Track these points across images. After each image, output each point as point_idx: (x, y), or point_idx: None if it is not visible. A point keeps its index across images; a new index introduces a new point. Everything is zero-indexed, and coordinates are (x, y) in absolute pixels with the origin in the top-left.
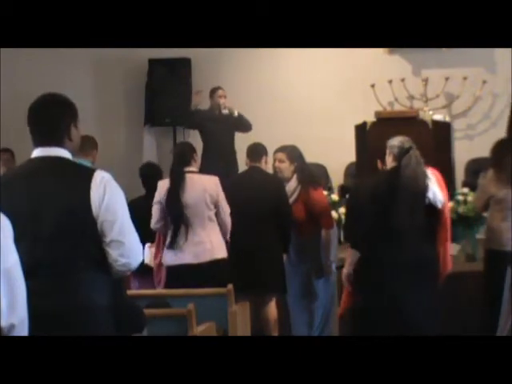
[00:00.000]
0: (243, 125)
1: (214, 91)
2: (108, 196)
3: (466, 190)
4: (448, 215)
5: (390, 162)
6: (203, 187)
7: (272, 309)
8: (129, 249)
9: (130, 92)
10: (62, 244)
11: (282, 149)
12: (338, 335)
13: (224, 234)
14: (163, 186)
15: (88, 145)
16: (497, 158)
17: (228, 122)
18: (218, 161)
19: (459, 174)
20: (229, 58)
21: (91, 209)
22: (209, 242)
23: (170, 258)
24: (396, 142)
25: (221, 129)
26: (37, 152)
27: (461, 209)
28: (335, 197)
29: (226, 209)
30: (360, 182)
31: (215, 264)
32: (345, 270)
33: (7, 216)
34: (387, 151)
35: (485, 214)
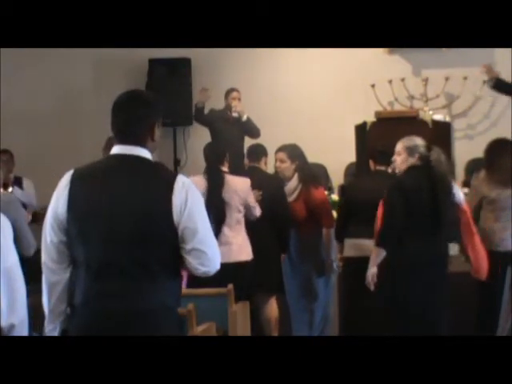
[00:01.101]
0: (250, 130)
1: (228, 92)
2: (190, 202)
3: (466, 190)
4: (469, 214)
5: (413, 162)
6: (235, 188)
7: (273, 309)
8: (210, 258)
9: None
10: (137, 247)
11: (282, 148)
12: (338, 335)
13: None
14: (197, 183)
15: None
16: (489, 158)
17: (238, 124)
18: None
19: (459, 174)
20: (229, 58)
21: (172, 214)
22: (235, 244)
23: None
24: (413, 141)
25: (230, 130)
26: (117, 149)
27: None
28: (335, 197)
29: (256, 207)
30: (354, 183)
31: (239, 266)
32: (371, 270)
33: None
34: (405, 152)
35: None
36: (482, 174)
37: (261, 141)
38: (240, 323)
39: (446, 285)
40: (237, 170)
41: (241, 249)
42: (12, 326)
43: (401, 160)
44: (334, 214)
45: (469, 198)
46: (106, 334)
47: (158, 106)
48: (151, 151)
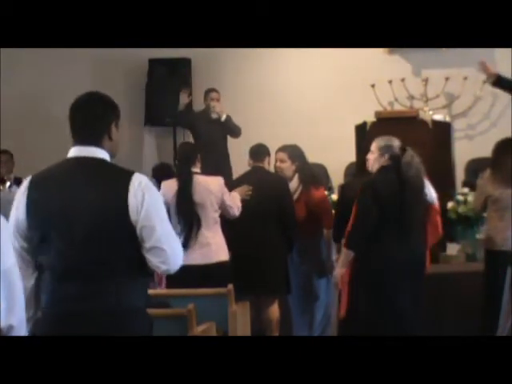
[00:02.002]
0: (231, 130)
1: (207, 93)
2: (147, 201)
3: (466, 189)
4: (438, 213)
5: (383, 162)
6: (208, 188)
7: (275, 309)
8: (170, 256)
9: (130, 92)
10: (97, 248)
11: (283, 148)
12: (339, 335)
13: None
14: (169, 186)
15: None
16: (494, 158)
17: (218, 124)
18: (209, 162)
19: (459, 174)
20: (229, 58)
21: (129, 213)
22: (214, 244)
23: None
24: (386, 141)
25: (212, 131)
26: (74, 151)
27: (461, 209)
28: (335, 197)
29: (232, 205)
30: (352, 182)
31: (220, 266)
32: (338, 270)
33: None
34: (375, 152)
35: (484, 215)
36: (487, 173)
37: (261, 141)
38: (240, 323)
39: (421, 285)
40: (221, 169)
41: (220, 249)
42: (11, 327)
43: (373, 159)
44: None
45: (474, 198)
46: (71, 335)
47: (113, 105)
48: (110, 151)
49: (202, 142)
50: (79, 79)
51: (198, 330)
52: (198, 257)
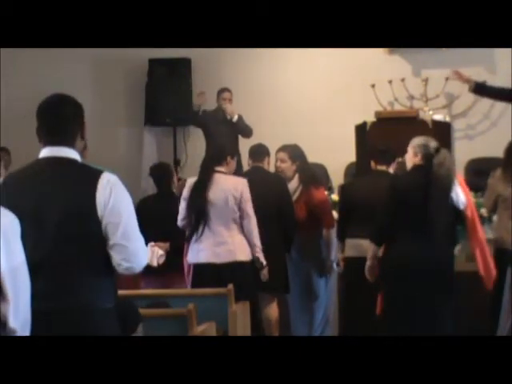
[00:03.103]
0: (242, 130)
1: (219, 93)
2: (114, 198)
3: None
4: (475, 219)
5: (416, 161)
6: (227, 188)
7: (274, 309)
8: (132, 253)
9: (130, 92)
10: (66, 245)
11: (283, 148)
12: (338, 335)
13: (250, 244)
14: (190, 182)
15: None
16: (506, 157)
17: (230, 125)
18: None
19: (459, 174)
20: (229, 58)
21: (97, 210)
22: (231, 243)
23: (192, 256)
24: (422, 141)
25: (223, 131)
26: (46, 152)
27: None
28: (335, 197)
29: (250, 214)
30: (352, 182)
31: (236, 266)
32: (367, 263)
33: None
34: (410, 151)
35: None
36: (499, 172)
37: (261, 141)
38: (240, 323)
39: (446, 285)
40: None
41: (238, 249)
42: (13, 332)
43: (407, 158)
44: (335, 214)
45: (484, 198)
46: (41, 334)
47: (81, 106)
48: (79, 151)
49: (214, 141)
50: (79, 79)
51: (198, 330)
52: (212, 255)
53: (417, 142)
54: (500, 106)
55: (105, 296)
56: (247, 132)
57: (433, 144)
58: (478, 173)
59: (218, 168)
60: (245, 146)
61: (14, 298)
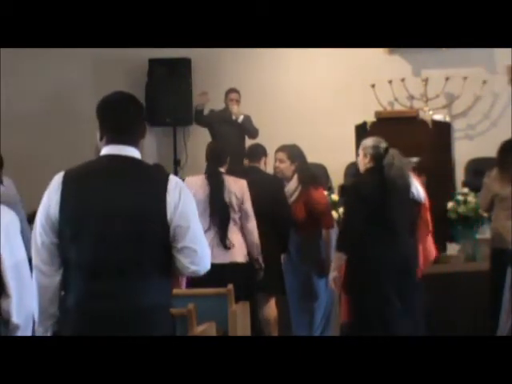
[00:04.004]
0: (248, 131)
1: (227, 93)
2: (183, 201)
3: (465, 190)
4: (427, 210)
5: (366, 163)
6: (230, 189)
7: (273, 309)
8: (200, 256)
9: (130, 92)
10: (129, 246)
11: (282, 148)
12: (339, 335)
13: (250, 247)
14: (194, 183)
15: None
16: (501, 157)
17: (236, 125)
18: None
19: (459, 174)
20: (229, 58)
21: (166, 213)
22: (231, 245)
23: None
24: (371, 142)
25: (230, 131)
26: (109, 149)
27: (461, 209)
28: (335, 197)
29: (251, 215)
30: (347, 185)
31: (234, 266)
32: (331, 274)
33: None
34: (361, 153)
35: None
36: (494, 172)
37: (261, 141)
38: (240, 323)
39: (418, 283)
40: (238, 171)
41: (236, 250)
42: (16, 327)
43: (359, 160)
44: (334, 214)
45: (480, 196)
46: (98, 334)
47: (142, 105)
48: (140, 150)
49: (219, 140)
50: (79, 79)
51: (198, 330)
52: (216, 256)
53: (366, 143)
54: (500, 105)
55: (164, 297)
56: (253, 133)
57: (383, 145)
58: (478, 173)
59: (221, 169)
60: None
61: (17, 294)
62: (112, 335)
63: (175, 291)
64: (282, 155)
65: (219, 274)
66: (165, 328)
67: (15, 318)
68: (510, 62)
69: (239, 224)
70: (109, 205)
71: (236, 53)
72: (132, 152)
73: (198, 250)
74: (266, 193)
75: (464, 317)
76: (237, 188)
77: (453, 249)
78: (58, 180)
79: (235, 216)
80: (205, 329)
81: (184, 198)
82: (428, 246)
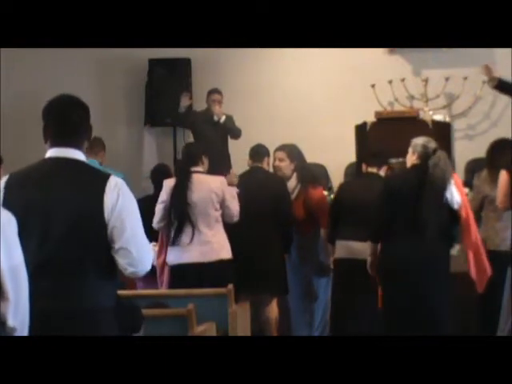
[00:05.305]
0: (231, 131)
1: (209, 94)
2: (121, 202)
3: (466, 190)
4: (469, 220)
5: (413, 160)
6: (209, 187)
7: (273, 309)
8: (137, 258)
9: (130, 92)
10: (70, 246)
11: (281, 148)
12: (338, 335)
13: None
14: (169, 184)
15: (97, 145)
16: (490, 158)
17: (218, 126)
18: (210, 162)
19: (459, 174)
20: (229, 58)
21: (103, 213)
22: (216, 242)
23: (175, 256)
24: (421, 140)
25: (212, 131)
26: (53, 152)
27: None
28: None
29: (231, 207)
30: (348, 184)
31: (221, 264)
32: (368, 259)
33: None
34: (410, 150)
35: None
36: (484, 173)
37: (260, 141)
38: (240, 323)
39: (442, 285)
40: (222, 169)
41: (221, 247)
42: (13, 330)
43: (407, 157)
44: None
45: (470, 198)
46: (49, 333)
47: (88, 109)
48: (85, 153)
49: (202, 142)
50: (79, 79)
51: (198, 330)
52: (198, 255)
53: (416, 141)
54: (500, 105)
55: (107, 297)
56: (235, 133)
57: (432, 145)
58: (475, 173)
59: (195, 168)
60: (243, 146)
61: (15, 296)
62: (56, 335)
63: (175, 291)
64: (281, 154)
65: (205, 272)
66: (108, 330)
67: (11, 321)
68: (511, 62)
69: (221, 221)
70: (50, 206)
71: (236, 53)
72: (75, 154)
73: (134, 251)
74: (270, 192)
75: (464, 317)
76: (215, 185)
77: (453, 249)
78: (2, 183)
79: (216, 214)
80: (205, 329)
81: (122, 198)
82: (481, 259)
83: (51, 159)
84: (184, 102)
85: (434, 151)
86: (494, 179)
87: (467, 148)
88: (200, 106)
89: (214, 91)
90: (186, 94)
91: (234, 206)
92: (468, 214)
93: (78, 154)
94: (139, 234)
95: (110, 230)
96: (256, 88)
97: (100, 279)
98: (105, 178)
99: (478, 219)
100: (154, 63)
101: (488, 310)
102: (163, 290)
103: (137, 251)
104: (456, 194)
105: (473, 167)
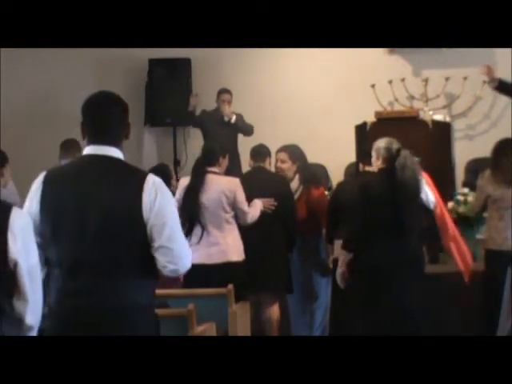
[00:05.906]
0: (243, 129)
1: (219, 93)
2: (159, 200)
3: (466, 190)
4: (444, 215)
5: (379, 164)
6: (220, 188)
7: (275, 310)
8: (177, 256)
9: (130, 92)
10: (108, 245)
11: (283, 149)
12: (339, 335)
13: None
14: (183, 184)
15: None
16: (494, 158)
17: (228, 125)
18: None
19: (459, 174)
20: (229, 58)
21: (142, 212)
22: (224, 244)
23: None
24: (383, 143)
25: (222, 131)
26: (91, 149)
27: (461, 209)
28: None
29: (245, 210)
30: (345, 184)
31: (228, 266)
32: (339, 270)
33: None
34: (374, 154)
35: (485, 215)
36: (488, 173)
37: (261, 141)
38: (240, 323)
39: (419, 286)
40: (231, 168)
41: (230, 249)
42: (31, 328)
43: (372, 162)
44: None
45: (474, 198)
46: (78, 332)
47: (127, 105)
48: (122, 150)
49: (219, 143)
50: (79, 79)
51: (198, 330)
52: (204, 256)
53: (379, 144)
54: (500, 105)
55: (144, 297)
56: (248, 130)
57: (395, 145)
58: (479, 173)
59: (211, 168)
60: (243, 146)
61: (32, 296)
62: (91, 334)
63: (175, 291)
64: (283, 155)
65: (214, 273)
66: (145, 328)
67: (29, 320)
68: (511, 62)
69: (233, 223)
70: (87, 204)
71: (236, 53)
72: (112, 152)
73: (174, 248)
74: (273, 192)
75: (464, 317)
76: (227, 187)
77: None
78: (38, 180)
79: (226, 215)
80: (205, 329)
81: (160, 197)
82: (462, 250)
83: (88, 156)
84: (193, 102)
85: (398, 151)
86: (497, 179)
87: (467, 148)
88: (200, 105)
89: (224, 91)
90: (195, 94)
91: (251, 211)
92: (442, 209)
93: (115, 152)
94: (178, 232)
95: (149, 228)
96: (256, 88)
97: (137, 278)
98: (143, 176)
99: (482, 219)
100: (153, 63)
101: (488, 310)
102: (163, 290)
103: (177, 249)
104: (430, 194)
105: (473, 167)
